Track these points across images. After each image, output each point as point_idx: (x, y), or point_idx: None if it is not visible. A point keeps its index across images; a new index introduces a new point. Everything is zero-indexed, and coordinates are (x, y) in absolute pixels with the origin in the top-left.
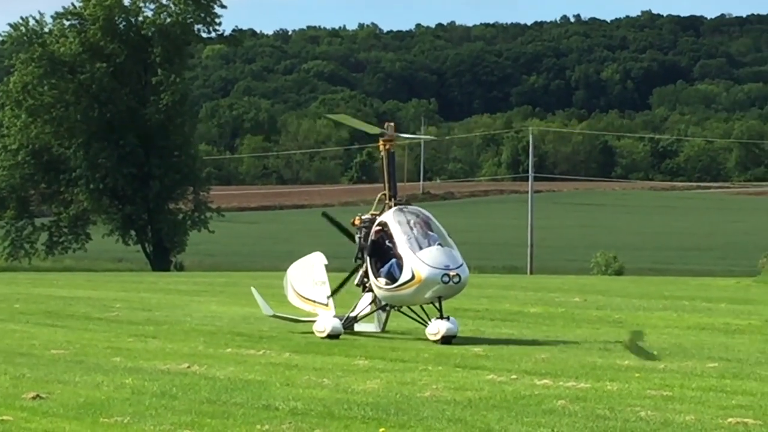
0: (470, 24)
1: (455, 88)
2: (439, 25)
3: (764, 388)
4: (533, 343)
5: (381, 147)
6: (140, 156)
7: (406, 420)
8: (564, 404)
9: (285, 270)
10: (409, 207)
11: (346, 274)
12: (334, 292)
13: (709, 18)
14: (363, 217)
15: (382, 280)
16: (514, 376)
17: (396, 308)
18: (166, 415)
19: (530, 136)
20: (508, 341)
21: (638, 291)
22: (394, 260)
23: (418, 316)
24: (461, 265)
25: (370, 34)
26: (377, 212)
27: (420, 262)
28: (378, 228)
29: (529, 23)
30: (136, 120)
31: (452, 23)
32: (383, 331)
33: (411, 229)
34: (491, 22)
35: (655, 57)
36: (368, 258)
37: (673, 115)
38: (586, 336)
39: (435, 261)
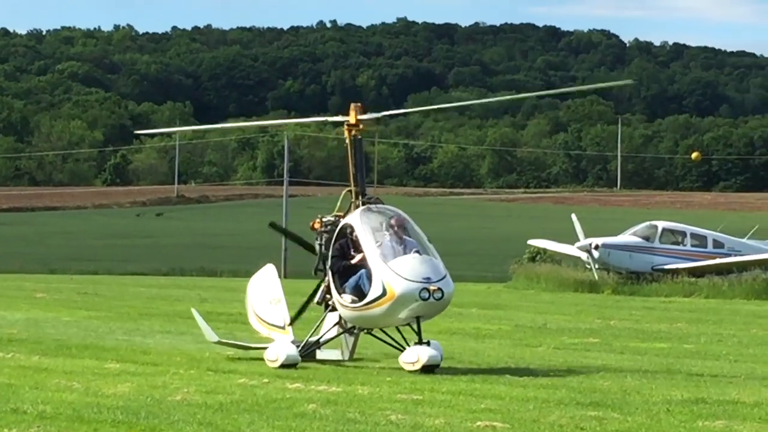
0: (227, 27)
1: (211, 92)
2: (195, 27)
3: (513, 392)
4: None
5: (346, 133)
6: None
7: (157, 423)
8: (315, 408)
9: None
10: (379, 206)
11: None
12: (293, 320)
13: (463, 26)
14: (324, 220)
15: (347, 297)
16: (265, 380)
17: (366, 331)
18: None
19: (286, 141)
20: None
21: None
22: (363, 271)
23: (394, 340)
24: (444, 278)
25: (126, 35)
26: (342, 213)
27: (393, 274)
28: (342, 232)
29: (285, 28)
30: None
31: (208, 26)
32: (351, 359)
33: (382, 233)
34: (247, 26)
35: (410, 64)
36: (330, 270)
37: (427, 121)
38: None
39: (412, 273)
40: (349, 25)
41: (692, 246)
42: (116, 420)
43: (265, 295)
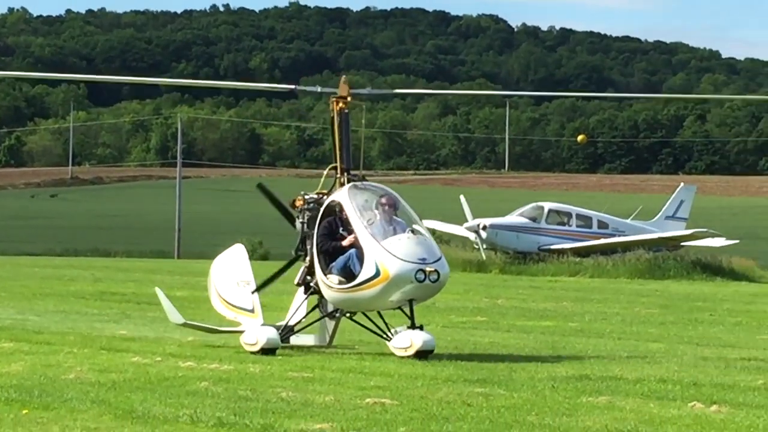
0: (121, 11)
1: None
2: (90, 11)
3: (401, 369)
4: (177, 327)
5: (333, 106)
6: None
7: (50, 402)
8: (207, 386)
9: None
10: (367, 184)
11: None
12: (258, 289)
13: (354, 10)
14: (307, 197)
15: (334, 278)
16: (158, 359)
17: (347, 315)
18: None
19: (179, 123)
20: (153, 323)
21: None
22: (353, 251)
23: (376, 325)
24: (440, 259)
25: (20, 18)
26: (326, 190)
27: (387, 253)
28: (328, 210)
29: (179, 11)
30: None
31: (102, 9)
32: (330, 345)
33: (373, 211)
34: (141, 9)
35: (302, 47)
36: (315, 249)
37: (319, 104)
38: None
39: (407, 253)
40: (242, 8)
41: (578, 226)
42: (9, 398)
43: (233, 276)
